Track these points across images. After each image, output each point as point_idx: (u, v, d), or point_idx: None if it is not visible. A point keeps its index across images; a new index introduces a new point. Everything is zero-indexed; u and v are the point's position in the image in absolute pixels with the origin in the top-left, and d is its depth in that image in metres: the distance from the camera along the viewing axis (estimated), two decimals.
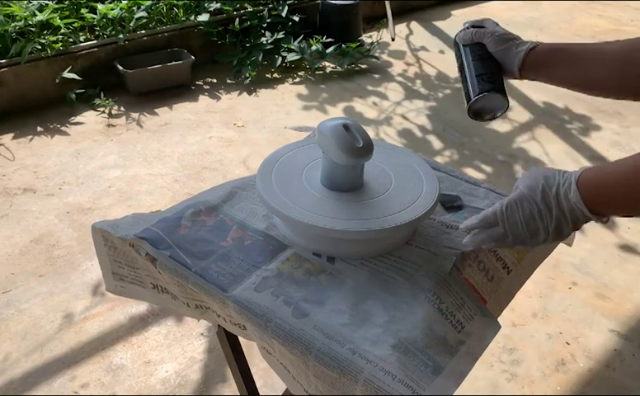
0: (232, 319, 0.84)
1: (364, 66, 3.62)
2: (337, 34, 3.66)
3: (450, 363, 0.72)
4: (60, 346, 1.68)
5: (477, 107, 0.91)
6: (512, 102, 3.20)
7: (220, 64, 3.44)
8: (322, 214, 0.85)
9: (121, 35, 3.12)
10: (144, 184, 2.41)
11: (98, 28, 3.24)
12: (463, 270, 0.86)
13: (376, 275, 0.84)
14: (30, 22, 2.93)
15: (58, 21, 3.00)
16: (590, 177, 0.71)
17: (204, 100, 3.15)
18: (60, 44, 3.00)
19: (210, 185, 2.50)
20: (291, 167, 0.95)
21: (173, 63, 3.19)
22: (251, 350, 1.19)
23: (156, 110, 3.01)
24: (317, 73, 3.50)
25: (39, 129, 2.80)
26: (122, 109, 3.00)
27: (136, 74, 3.05)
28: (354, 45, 3.57)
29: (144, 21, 3.29)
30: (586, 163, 2.64)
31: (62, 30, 3.04)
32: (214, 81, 3.36)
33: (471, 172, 2.52)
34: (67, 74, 2.92)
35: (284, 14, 3.58)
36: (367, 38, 3.94)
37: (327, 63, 3.59)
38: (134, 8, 3.25)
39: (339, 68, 3.52)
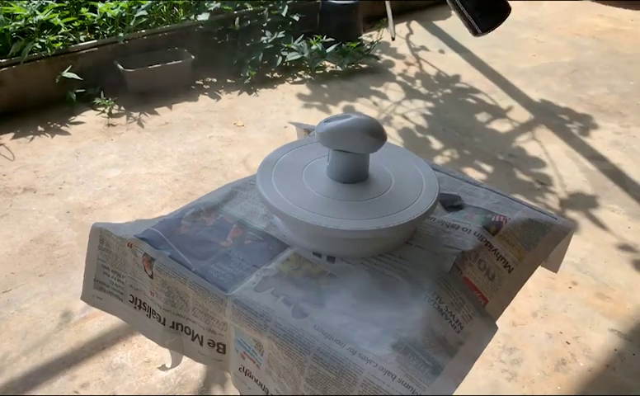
0: (212, 337, 0.83)
1: (364, 66, 3.62)
2: (337, 33, 3.66)
3: (450, 363, 0.72)
4: (60, 345, 1.68)
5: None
6: (512, 102, 3.20)
7: (220, 64, 3.44)
8: (323, 214, 0.85)
9: (121, 35, 3.12)
10: (144, 183, 2.41)
11: (98, 27, 3.25)
12: (463, 269, 0.86)
13: (376, 275, 0.84)
14: (31, 22, 2.93)
15: (58, 21, 3.00)
16: None
17: (204, 99, 3.15)
18: (60, 43, 3.00)
19: (210, 184, 2.51)
20: (291, 167, 0.95)
21: (173, 62, 3.19)
22: None
23: (156, 109, 3.01)
24: (317, 72, 3.50)
25: (39, 128, 2.80)
26: (122, 108, 3.00)
27: (136, 74, 3.05)
28: (354, 45, 3.57)
29: (144, 20, 3.29)
30: (586, 163, 2.64)
31: (62, 30, 3.05)
32: (214, 80, 3.36)
33: (471, 172, 2.53)
34: (67, 74, 2.93)
35: (284, 13, 3.58)
36: (367, 38, 3.95)
37: (327, 63, 3.59)
38: (135, 7, 3.25)
39: (339, 68, 3.52)
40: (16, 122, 2.82)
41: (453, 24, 4.29)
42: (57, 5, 3.10)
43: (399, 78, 3.49)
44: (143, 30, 3.28)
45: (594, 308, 1.84)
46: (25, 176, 2.44)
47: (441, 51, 3.89)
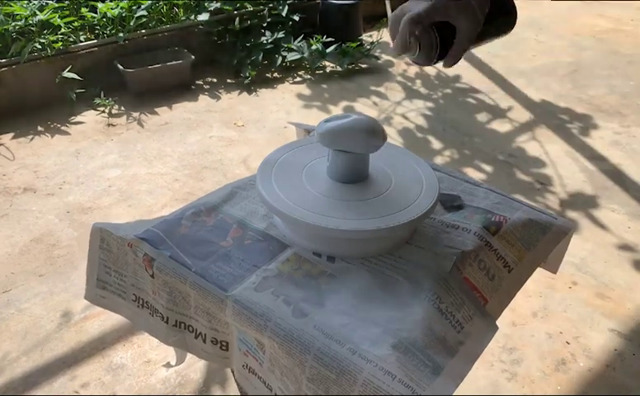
0: (215, 335, 0.83)
1: (364, 66, 3.62)
2: (337, 33, 3.66)
3: (450, 363, 0.72)
4: (60, 345, 1.68)
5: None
6: (512, 102, 3.20)
7: (220, 64, 3.44)
8: (323, 214, 0.85)
9: (121, 35, 3.13)
10: (144, 183, 2.41)
11: (98, 27, 3.25)
12: (463, 269, 0.86)
13: (376, 275, 0.84)
14: (31, 22, 2.93)
15: (58, 21, 3.00)
16: None
17: (204, 99, 3.15)
18: (60, 43, 3.00)
19: (210, 184, 2.51)
20: (291, 167, 0.95)
21: (173, 62, 3.19)
22: None
23: (156, 109, 3.01)
24: (317, 72, 3.50)
25: (39, 128, 2.80)
26: (122, 108, 3.00)
27: (136, 74, 3.06)
28: (354, 45, 3.57)
29: (144, 20, 3.29)
30: (586, 163, 2.64)
31: (62, 30, 3.05)
32: (214, 80, 3.36)
33: (471, 172, 2.53)
34: (67, 74, 2.93)
35: (284, 13, 3.58)
36: (367, 38, 3.94)
37: (327, 63, 3.59)
38: (135, 7, 3.25)
39: (339, 68, 3.52)
40: (16, 122, 2.82)
41: None
42: (57, 5, 3.11)
43: (399, 78, 3.49)
44: (143, 30, 3.29)
45: (594, 308, 1.84)
46: (25, 176, 2.44)
47: None
